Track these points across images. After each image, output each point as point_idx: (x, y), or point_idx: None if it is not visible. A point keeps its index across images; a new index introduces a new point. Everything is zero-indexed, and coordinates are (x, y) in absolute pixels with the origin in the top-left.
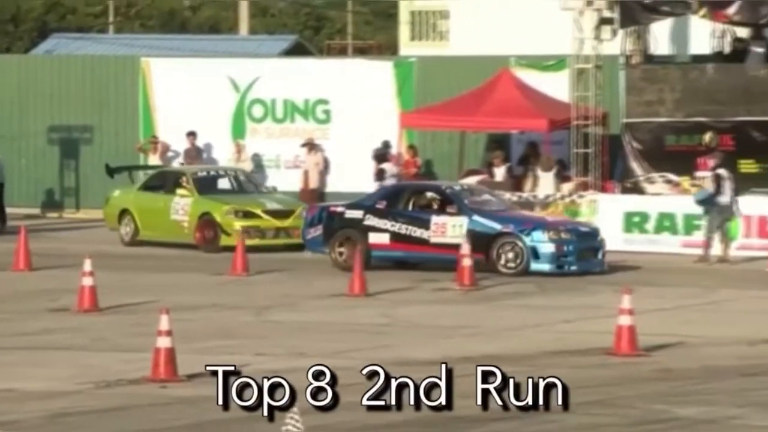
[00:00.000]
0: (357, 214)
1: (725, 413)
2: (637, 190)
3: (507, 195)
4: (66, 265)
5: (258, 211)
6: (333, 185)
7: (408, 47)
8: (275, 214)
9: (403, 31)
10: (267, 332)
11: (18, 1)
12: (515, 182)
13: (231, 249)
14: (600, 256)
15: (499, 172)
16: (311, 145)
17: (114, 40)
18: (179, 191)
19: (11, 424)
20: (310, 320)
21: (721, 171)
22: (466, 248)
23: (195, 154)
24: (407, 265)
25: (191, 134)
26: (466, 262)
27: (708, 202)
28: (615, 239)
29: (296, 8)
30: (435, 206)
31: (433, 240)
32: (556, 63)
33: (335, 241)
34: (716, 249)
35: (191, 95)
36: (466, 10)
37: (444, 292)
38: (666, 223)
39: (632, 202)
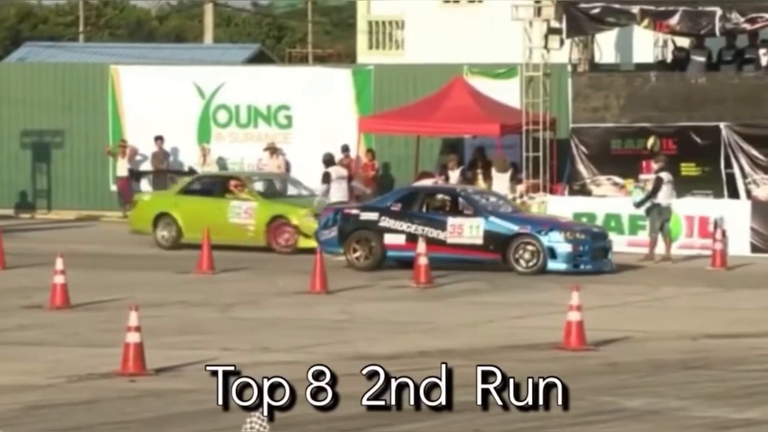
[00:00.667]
0: (372, 215)
1: (670, 405)
2: (584, 192)
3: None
4: (38, 264)
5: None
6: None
7: (366, 56)
8: None
9: (361, 40)
10: (232, 328)
11: None
12: (468, 184)
13: (308, 251)
14: (609, 256)
15: (454, 175)
16: (272, 149)
17: (84, 49)
18: (242, 195)
19: None
20: (274, 317)
21: (663, 174)
22: (422, 246)
23: (162, 157)
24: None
25: (159, 138)
26: (422, 260)
27: (644, 204)
28: None
29: (259, 18)
30: (449, 208)
31: (450, 241)
32: (507, 71)
33: (350, 242)
34: (660, 248)
35: (158, 101)
36: (421, 21)
37: (401, 290)
38: (612, 223)
39: (580, 204)
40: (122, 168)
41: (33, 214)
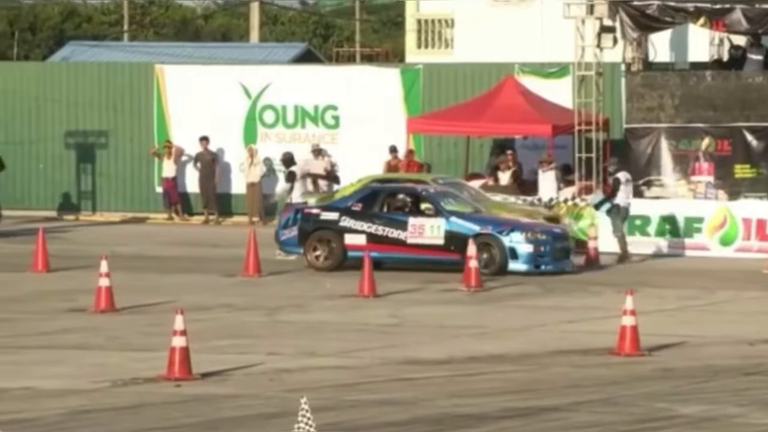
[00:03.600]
0: (333, 215)
1: (726, 411)
2: (637, 193)
3: (512, 199)
4: (83, 266)
5: (541, 219)
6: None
7: (414, 54)
8: (550, 220)
9: (410, 38)
10: (278, 332)
11: (36, 9)
12: (520, 186)
13: None
14: (570, 256)
15: (504, 177)
16: (318, 151)
17: (129, 48)
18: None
19: (29, 422)
20: (321, 320)
21: (620, 175)
22: (472, 249)
23: (208, 158)
24: (383, 266)
25: (204, 139)
26: (473, 263)
27: (603, 205)
28: (617, 241)
29: (305, 17)
30: (410, 208)
31: (411, 241)
32: (559, 70)
33: (310, 243)
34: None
35: (204, 101)
36: (470, 19)
37: (451, 293)
38: (666, 225)
39: (634, 206)
40: (168, 169)
41: (77, 216)
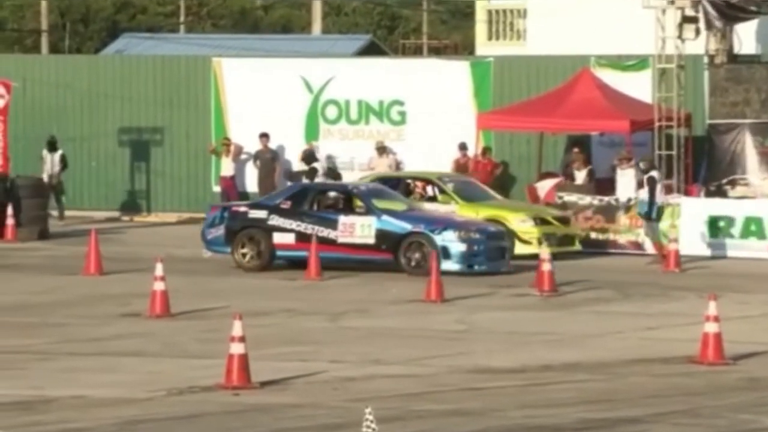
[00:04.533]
0: (261, 213)
1: None
2: (720, 193)
3: (588, 198)
4: (137, 270)
5: (550, 218)
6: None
7: (485, 47)
8: (561, 220)
9: (480, 30)
10: (341, 339)
11: (88, 1)
12: (598, 185)
13: (525, 257)
14: (507, 256)
15: (580, 175)
16: (382, 148)
17: (185, 40)
18: (440, 198)
19: None
20: (386, 326)
21: (654, 173)
22: (545, 253)
23: (268, 156)
24: (350, 266)
25: (264, 136)
26: (546, 267)
27: (651, 210)
28: (699, 244)
29: (370, 7)
30: (341, 206)
31: (341, 240)
32: (638, 63)
33: (238, 242)
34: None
35: (264, 96)
36: (544, 9)
37: (522, 298)
38: (752, 227)
39: (717, 206)
40: (226, 167)
41: (132, 217)
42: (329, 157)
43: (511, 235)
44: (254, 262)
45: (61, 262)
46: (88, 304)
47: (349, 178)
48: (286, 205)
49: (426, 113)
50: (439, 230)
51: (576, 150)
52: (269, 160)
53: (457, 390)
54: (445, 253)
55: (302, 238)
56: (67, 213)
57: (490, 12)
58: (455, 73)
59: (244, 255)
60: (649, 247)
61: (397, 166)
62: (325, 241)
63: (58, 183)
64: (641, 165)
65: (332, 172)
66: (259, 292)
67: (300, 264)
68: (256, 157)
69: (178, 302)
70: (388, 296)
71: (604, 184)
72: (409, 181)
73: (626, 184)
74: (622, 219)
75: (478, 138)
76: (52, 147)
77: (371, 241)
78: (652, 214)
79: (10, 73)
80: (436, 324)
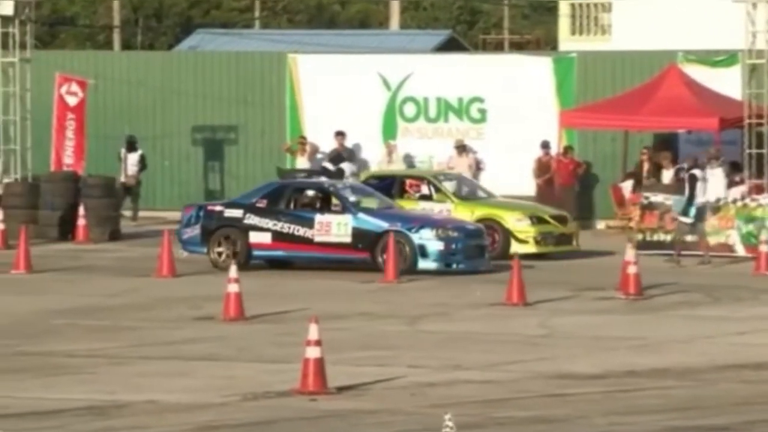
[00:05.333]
0: (237, 212)
1: None
2: None
3: (676, 198)
4: (210, 272)
5: (547, 217)
6: (488, 187)
7: (568, 42)
8: (559, 219)
9: (563, 24)
10: (420, 343)
11: None
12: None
13: (521, 257)
14: (485, 254)
15: (667, 175)
16: (461, 147)
17: (260, 36)
18: (436, 196)
19: None
20: (466, 330)
21: (696, 172)
22: (630, 254)
23: (345, 155)
24: (293, 265)
25: (340, 134)
26: (631, 269)
27: (690, 209)
28: None
29: (449, 2)
30: (318, 204)
31: (318, 239)
32: (727, 58)
33: (214, 241)
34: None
35: (340, 93)
36: (630, 3)
37: (607, 301)
38: None
39: None
40: (302, 166)
41: None
42: (407, 156)
43: (507, 234)
44: (230, 261)
45: (133, 264)
46: (161, 307)
47: None
48: (262, 203)
49: (507, 111)
50: (416, 228)
51: (645, 150)
52: (345, 159)
53: (540, 396)
54: (422, 251)
55: (278, 237)
56: (139, 213)
57: (573, 6)
58: (537, 69)
59: (219, 254)
60: (741, 250)
61: (477, 165)
62: (301, 241)
63: (136, 183)
64: (685, 164)
65: (340, 173)
66: (334, 294)
67: (277, 264)
68: (332, 156)
69: (252, 305)
70: (468, 299)
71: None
72: (404, 179)
73: (715, 183)
74: (711, 220)
75: (561, 136)
76: (131, 147)
77: (348, 240)
78: (688, 213)
79: (81, 71)
80: (518, 328)
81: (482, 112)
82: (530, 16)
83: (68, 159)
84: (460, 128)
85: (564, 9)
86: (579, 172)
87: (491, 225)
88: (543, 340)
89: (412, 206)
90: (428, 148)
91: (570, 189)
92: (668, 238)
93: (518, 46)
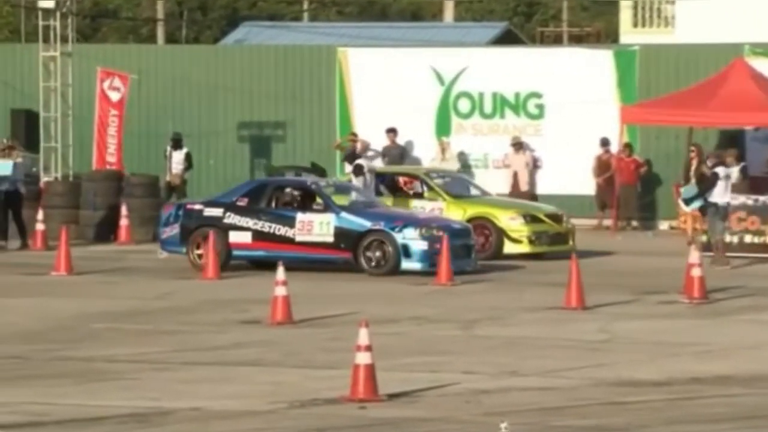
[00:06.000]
0: (216, 211)
1: None
2: None
3: (742, 198)
4: (257, 273)
5: (541, 216)
6: (546, 186)
7: (630, 34)
8: (554, 218)
9: (625, 16)
10: (475, 348)
11: None
12: (752, 184)
13: (514, 257)
14: (472, 254)
15: (733, 173)
16: (518, 144)
17: (309, 29)
18: (427, 194)
19: None
20: (522, 335)
21: (719, 169)
22: (695, 257)
23: (396, 152)
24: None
25: (391, 131)
26: (696, 272)
27: (694, 201)
28: None
29: None
30: (299, 203)
31: (299, 239)
32: None
33: (193, 241)
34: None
35: (392, 88)
36: None
37: (670, 306)
38: None
39: None
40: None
41: None
42: (461, 154)
43: (500, 233)
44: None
45: (177, 266)
46: (206, 310)
47: (482, 176)
48: (243, 202)
49: (566, 106)
50: (400, 228)
51: (693, 148)
52: (397, 156)
53: (599, 404)
54: (405, 251)
55: (259, 236)
56: None
57: None
58: (597, 63)
59: (199, 255)
60: None
61: (534, 163)
62: (282, 240)
63: (181, 182)
64: (709, 161)
65: (316, 170)
66: (385, 297)
67: (260, 264)
68: (384, 153)
69: (299, 308)
70: (524, 303)
71: (758, 183)
72: (396, 177)
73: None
74: (751, 218)
75: (622, 133)
76: (177, 144)
77: (330, 239)
78: (689, 203)
79: (124, 65)
80: (577, 333)
81: (540, 107)
82: (590, 8)
83: (110, 157)
84: (516, 125)
85: (626, 0)
86: (641, 172)
87: (484, 224)
88: (603, 346)
89: (403, 204)
90: (483, 145)
91: (631, 188)
92: (734, 239)
93: (578, 39)
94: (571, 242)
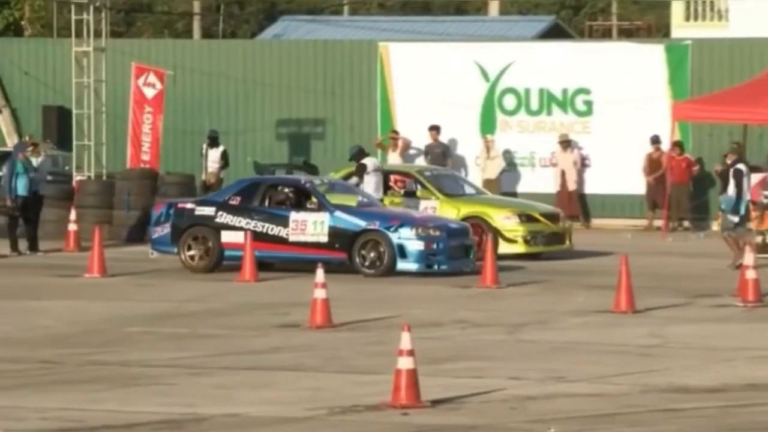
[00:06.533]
0: (209, 210)
1: None
2: None
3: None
4: (295, 275)
5: (536, 215)
6: (594, 186)
7: (681, 28)
8: (550, 217)
9: (677, 10)
10: (521, 353)
11: None
12: None
13: (508, 257)
14: (471, 255)
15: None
16: (566, 142)
17: (349, 23)
18: (420, 192)
19: None
20: (570, 340)
21: (741, 166)
22: (750, 258)
23: (438, 151)
24: (267, 266)
25: (434, 128)
26: (750, 274)
27: (740, 206)
28: None
29: None
30: (293, 202)
31: (293, 238)
32: None
33: (184, 241)
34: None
35: (434, 84)
36: None
37: (723, 309)
38: None
39: None
40: (394, 163)
41: None
42: (506, 152)
43: (495, 233)
44: (202, 262)
45: (288, 267)
46: (243, 313)
47: (528, 175)
48: (236, 201)
49: (615, 103)
50: (395, 227)
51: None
52: (440, 155)
53: (650, 411)
54: (401, 251)
55: (252, 236)
56: None
57: None
58: (648, 58)
59: (191, 256)
60: None
61: (583, 161)
62: (275, 240)
63: (217, 181)
64: (727, 160)
65: (308, 167)
66: (427, 300)
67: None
68: (426, 152)
69: (339, 311)
70: (572, 306)
71: None
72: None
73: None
74: None
75: (674, 130)
76: (214, 142)
77: (324, 239)
78: (739, 210)
79: (159, 60)
80: (627, 337)
81: (588, 104)
82: (640, 1)
83: (145, 155)
84: (564, 122)
85: None
86: (693, 171)
87: (478, 223)
88: (654, 351)
89: (396, 202)
90: (529, 143)
91: (683, 188)
92: None
93: (627, 33)
94: (568, 242)
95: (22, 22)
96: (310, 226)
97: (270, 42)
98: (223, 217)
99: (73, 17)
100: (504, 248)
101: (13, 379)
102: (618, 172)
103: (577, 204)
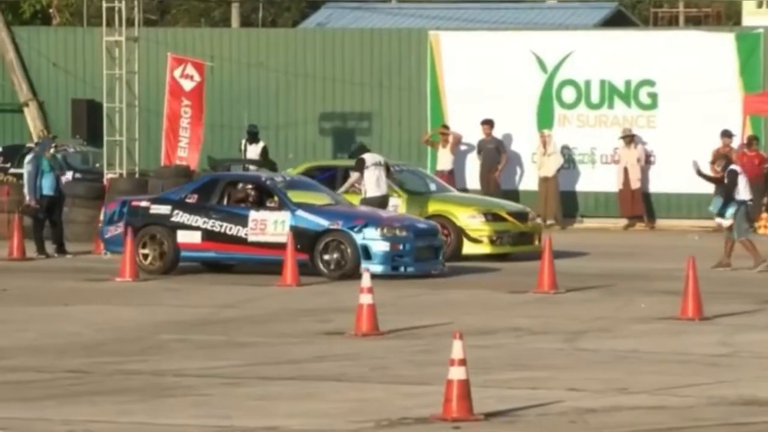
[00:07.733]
0: (164, 209)
1: None
2: None
3: None
4: (336, 281)
5: (503, 214)
6: (659, 184)
7: (753, 16)
8: (518, 216)
9: None
10: (580, 363)
11: None
12: None
13: (474, 258)
14: (440, 256)
15: None
16: (629, 137)
17: (397, 10)
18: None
19: None
20: (632, 348)
21: (735, 166)
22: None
23: (491, 146)
24: (226, 267)
25: (487, 123)
26: None
27: (727, 208)
28: None
29: None
30: (253, 200)
31: (252, 239)
32: None
33: (138, 241)
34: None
35: (488, 76)
36: None
37: None
38: None
39: None
40: (444, 160)
41: None
42: (565, 148)
43: (459, 232)
44: (157, 264)
45: (252, 270)
46: (283, 319)
47: (588, 172)
48: (192, 199)
49: (682, 95)
50: (360, 227)
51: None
52: (493, 151)
53: (718, 425)
54: (365, 253)
55: (209, 236)
56: None
57: None
58: (717, 47)
59: (145, 256)
60: None
61: (647, 158)
62: (234, 240)
63: None
64: (717, 165)
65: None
66: (480, 306)
67: (213, 266)
68: (479, 148)
69: (386, 318)
70: (635, 312)
71: None
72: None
73: None
74: None
75: (745, 124)
76: (253, 138)
77: (284, 239)
78: (725, 213)
79: (195, 50)
80: (694, 346)
81: (653, 96)
82: None
83: (182, 152)
84: (627, 116)
85: None
86: (765, 167)
87: (442, 222)
88: (724, 360)
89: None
90: (590, 138)
91: (757, 187)
92: None
93: (695, 21)
94: (537, 242)
95: (50, 10)
96: (270, 226)
97: (313, 31)
98: (179, 216)
99: (105, 5)
100: (469, 248)
101: (38, 389)
102: (685, 169)
103: (640, 203)
